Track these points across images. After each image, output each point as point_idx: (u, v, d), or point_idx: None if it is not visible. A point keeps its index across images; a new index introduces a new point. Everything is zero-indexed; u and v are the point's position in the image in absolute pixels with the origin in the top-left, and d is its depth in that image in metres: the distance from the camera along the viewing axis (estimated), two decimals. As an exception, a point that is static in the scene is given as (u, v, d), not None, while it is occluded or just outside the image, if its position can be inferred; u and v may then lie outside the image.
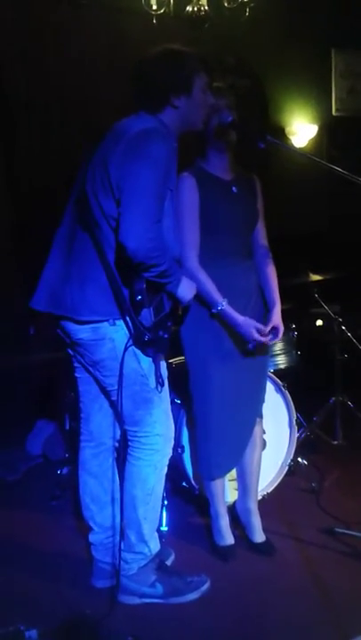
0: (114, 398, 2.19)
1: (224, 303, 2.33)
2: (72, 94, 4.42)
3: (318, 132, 5.55)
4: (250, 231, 2.50)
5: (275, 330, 2.45)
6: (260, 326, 2.35)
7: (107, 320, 2.07)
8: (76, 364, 2.30)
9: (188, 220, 2.33)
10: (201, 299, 2.33)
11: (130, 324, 2.05)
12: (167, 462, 2.27)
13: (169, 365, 2.90)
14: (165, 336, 2.11)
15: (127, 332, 2.07)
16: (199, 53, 2.18)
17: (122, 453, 2.24)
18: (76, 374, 2.31)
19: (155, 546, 2.26)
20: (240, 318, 2.34)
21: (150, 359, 2.14)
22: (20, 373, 3.54)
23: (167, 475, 2.70)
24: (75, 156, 2.33)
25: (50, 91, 4.37)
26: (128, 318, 2.04)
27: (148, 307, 2.03)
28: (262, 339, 2.34)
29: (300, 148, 5.35)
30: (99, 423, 2.30)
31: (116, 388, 2.13)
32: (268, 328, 2.44)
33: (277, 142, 2.32)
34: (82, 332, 2.11)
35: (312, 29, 5.28)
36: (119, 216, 1.96)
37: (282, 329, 2.55)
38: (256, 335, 2.33)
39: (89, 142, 2.17)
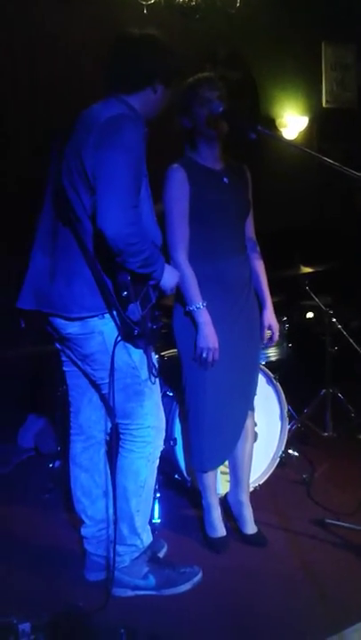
0: (104, 392, 2.18)
1: (201, 305, 2.32)
2: (62, 85, 4.37)
3: (309, 123, 5.55)
4: (242, 222, 2.49)
5: (271, 329, 2.56)
6: (217, 349, 2.33)
7: (96, 315, 2.06)
8: (64, 358, 2.28)
9: (176, 212, 2.32)
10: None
11: (117, 320, 2.04)
12: (159, 454, 2.27)
13: (161, 358, 2.90)
14: (154, 327, 2.10)
15: (116, 325, 2.06)
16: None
17: (113, 446, 2.23)
18: (65, 368, 2.30)
19: (147, 538, 2.26)
20: (209, 329, 2.33)
21: (141, 351, 2.13)
22: (12, 366, 3.52)
23: (159, 467, 2.70)
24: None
25: (39, 82, 4.32)
26: (115, 313, 2.03)
27: (135, 301, 2.02)
28: (209, 358, 2.34)
29: (290, 140, 5.35)
30: (88, 417, 2.29)
31: (106, 381, 2.12)
32: (266, 330, 2.55)
33: (268, 133, 2.31)
34: (70, 327, 2.10)
35: (303, 22, 5.27)
36: (95, 204, 1.94)
37: (277, 326, 2.58)
38: (205, 353, 2.33)
39: (58, 134, 2.15)
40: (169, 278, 2.13)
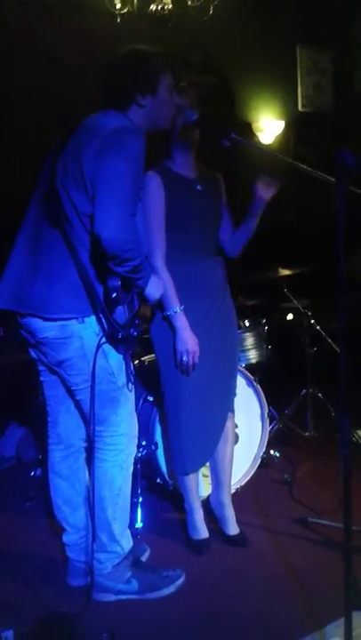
0: (78, 397, 2.18)
1: (178, 309, 2.35)
2: (38, 92, 4.40)
3: (285, 127, 5.61)
4: (215, 228, 2.53)
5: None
6: (197, 352, 2.35)
7: (75, 318, 2.06)
8: (41, 368, 2.28)
9: (154, 218, 2.34)
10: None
11: (104, 322, 2.05)
12: (132, 461, 2.27)
13: (141, 363, 2.92)
14: (135, 334, 2.12)
15: (96, 329, 2.07)
16: (165, 53, 2.21)
17: (90, 454, 2.22)
18: (42, 378, 2.30)
19: (127, 543, 2.27)
20: (187, 332, 2.35)
21: (120, 357, 2.15)
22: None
23: (141, 471, 2.72)
24: (41, 153, 2.32)
25: (16, 89, 4.34)
26: (102, 316, 2.04)
27: (123, 304, 2.04)
28: (190, 362, 2.36)
29: (267, 144, 5.41)
30: (66, 426, 2.29)
31: (81, 387, 2.13)
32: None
33: (241, 140, 2.34)
34: (48, 331, 2.09)
35: (278, 26, 5.33)
36: (94, 208, 1.96)
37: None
38: (185, 357, 2.35)
39: (56, 138, 2.17)
40: (154, 288, 2.16)
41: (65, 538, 2.34)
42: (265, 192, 2.46)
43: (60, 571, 2.37)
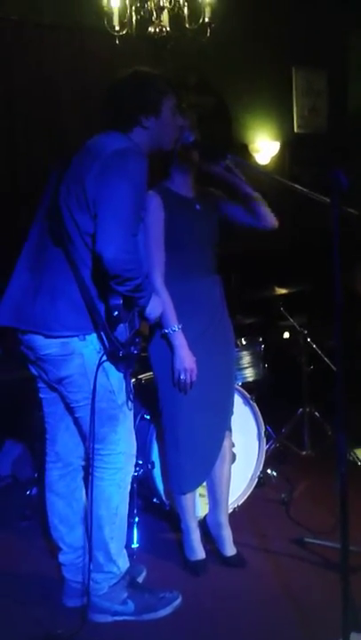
0: (77, 415, 2.19)
1: (176, 328, 2.36)
2: (37, 112, 4.43)
3: (280, 148, 5.66)
4: (213, 246, 2.55)
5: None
6: (194, 371, 2.37)
7: (77, 335, 2.07)
8: (40, 385, 2.28)
9: (153, 238, 2.37)
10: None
11: (105, 340, 2.06)
12: (130, 480, 2.26)
13: (139, 381, 2.92)
14: (135, 352, 2.13)
15: (97, 347, 2.08)
16: (168, 75, 2.25)
17: (89, 472, 2.22)
18: (41, 395, 2.30)
19: (123, 564, 2.25)
20: (185, 351, 2.36)
21: (120, 375, 2.15)
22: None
23: (138, 491, 2.71)
24: (38, 173, 2.35)
25: (14, 109, 4.37)
26: (103, 334, 2.05)
27: (124, 322, 2.06)
28: (187, 380, 2.37)
29: (263, 165, 5.46)
30: (65, 443, 2.29)
31: (80, 404, 2.14)
32: None
33: (239, 161, 2.39)
34: (49, 348, 2.10)
35: (273, 48, 5.40)
36: (96, 227, 1.98)
37: None
38: (183, 375, 2.36)
39: (58, 157, 2.20)
40: (154, 307, 2.19)
41: (61, 558, 2.32)
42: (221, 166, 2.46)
43: (56, 591, 2.35)
